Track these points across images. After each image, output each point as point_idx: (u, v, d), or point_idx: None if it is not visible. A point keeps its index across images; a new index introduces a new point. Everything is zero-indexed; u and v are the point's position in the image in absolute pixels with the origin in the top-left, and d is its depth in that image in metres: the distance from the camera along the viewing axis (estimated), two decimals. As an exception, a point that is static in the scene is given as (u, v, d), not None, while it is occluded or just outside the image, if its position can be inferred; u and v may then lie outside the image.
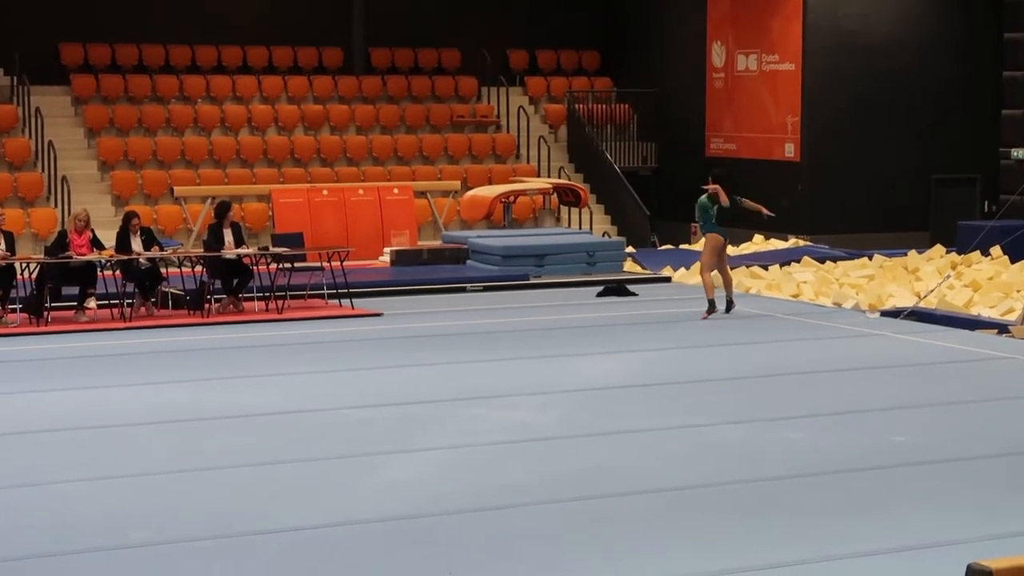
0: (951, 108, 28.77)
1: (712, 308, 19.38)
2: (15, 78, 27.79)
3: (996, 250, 23.98)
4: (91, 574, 8.94)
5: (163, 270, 19.99)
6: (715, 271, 19.87)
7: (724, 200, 19.44)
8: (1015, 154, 27.08)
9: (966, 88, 28.92)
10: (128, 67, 29.20)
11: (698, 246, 25.85)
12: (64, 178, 26.26)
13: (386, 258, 24.08)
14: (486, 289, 22.34)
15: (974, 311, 19.90)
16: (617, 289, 21.94)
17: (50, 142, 26.85)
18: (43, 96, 27.86)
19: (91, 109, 28.14)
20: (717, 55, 29.96)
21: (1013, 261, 23.26)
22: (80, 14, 28.76)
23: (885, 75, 28.15)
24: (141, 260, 19.39)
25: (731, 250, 25.18)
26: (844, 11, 27.98)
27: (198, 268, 20.28)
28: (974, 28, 28.92)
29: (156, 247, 19.84)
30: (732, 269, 23.22)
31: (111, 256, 19.30)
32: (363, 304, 20.38)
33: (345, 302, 20.28)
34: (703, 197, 19.59)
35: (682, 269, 24.12)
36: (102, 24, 28.99)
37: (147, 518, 10.13)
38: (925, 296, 20.35)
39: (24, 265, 19.13)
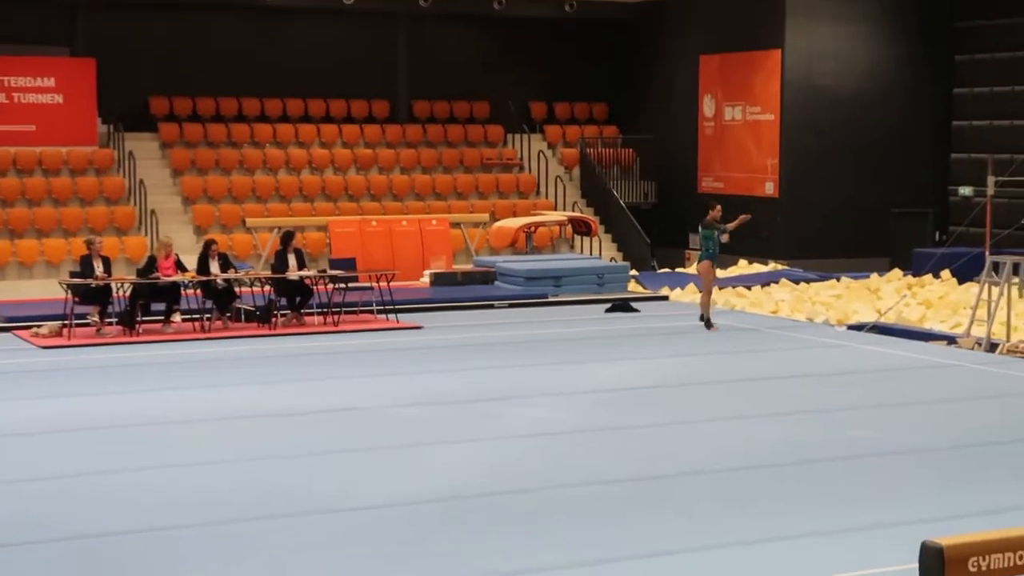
0: (908, 152, 28.77)
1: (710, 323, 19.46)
2: (112, 126, 27.99)
3: (946, 273, 24.03)
4: (186, 545, 9.05)
5: (237, 289, 20.09)
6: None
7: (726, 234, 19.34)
8: (962, 192, 27.07)
9: (921, 135, 28.93)
10: (207, 117, 29.38)
11: (692, 270, 25.88)
12: (153, 211, 26.43)
13: (426, 279, 24.14)
14: (511, 306, 22.36)
15: (927, 325, 19.92)
16: (623, 306, 21.98)
17: (141, 180, 27.04)
18: (135, 141, 28.05)
19: (176, 152, 28.31)
20: (708, 107, 30.02)
21: (960, 283, 23.31)
22: (166, 72, 28.95)
23: (852, 123, 28.18)
24: (218, 281, 19.48)
25: (719, 273, 25.26)
26: (816, 69, 28.02)
27: (266, 288, 20.37)
28: (928, 84, 28.93)
29: (231, 270, 19.94)
30: (720, 289, 23.29)
31: (192, 277, 19.40)
32: (406, 318, 20.44)
33: (391, 316, 20.39)
34: (708, 229, 19.35)
35: (678, 289, 24.12)
36: (185, 80, 29.17)
37: (228, 499, 10.23)
38: (885, 312, 20.36)
39: (119, 285, 19.24)
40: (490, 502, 10.10)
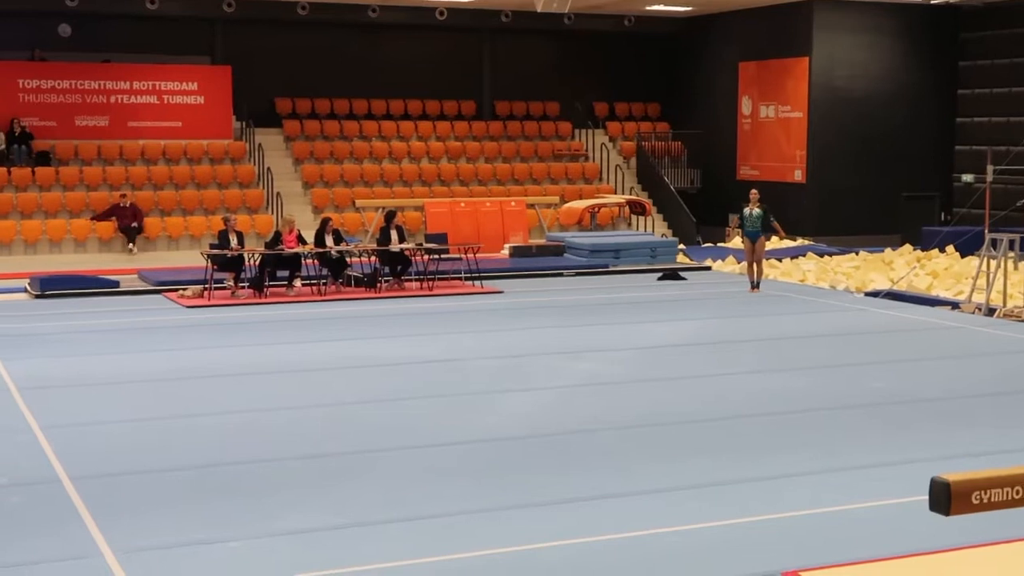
0: (918, 144, 28.30)
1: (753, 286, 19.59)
2: (244, 123, 28.16)
3: (950, 248, 23.64)
4: (297, 475, 9.06)
5: (348, 259, 20.18)
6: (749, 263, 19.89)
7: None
8: (964, 179, 26.62)
9: (929, 130, 28.43)
10: (324, 115, 29.46)
11: (733, 244, 25.61)
12: (278, 193, 26.57)
13: (506, 251, 24.12)
14: (578, 275, 22.31)
15: (934, 293, 19.61)
16: (672, 275, 21.84)
17: (268, 168, 27.18)
18: (264, 136, 28.20)
19: (297, 145, 28.44)
20: (746, 106, 29.67)
21: (963, 256, 22.95)
22: (290, 77, 29.04)
23: (868, 119, 27.77)
24: (332, 252, 19.57)
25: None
26: (838, 73, 27.60)
27: (372, 258, 20.46)
28: (935, 86, 28.41)
29: (343, 243, 20.02)
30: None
31: (311, 249, 19.50)
32: (489, 284, 20.43)
33: (477, 283, 20.38)
34: (757, 210, 19.30)
35: (719, 261, 23.92)
36: (306, 84, 29.26)
37: (337, 434, 10.24)
38: (897, 281, 20.06)
39: (250, 255, 19.39)
40: (558, 440, 10.03)
